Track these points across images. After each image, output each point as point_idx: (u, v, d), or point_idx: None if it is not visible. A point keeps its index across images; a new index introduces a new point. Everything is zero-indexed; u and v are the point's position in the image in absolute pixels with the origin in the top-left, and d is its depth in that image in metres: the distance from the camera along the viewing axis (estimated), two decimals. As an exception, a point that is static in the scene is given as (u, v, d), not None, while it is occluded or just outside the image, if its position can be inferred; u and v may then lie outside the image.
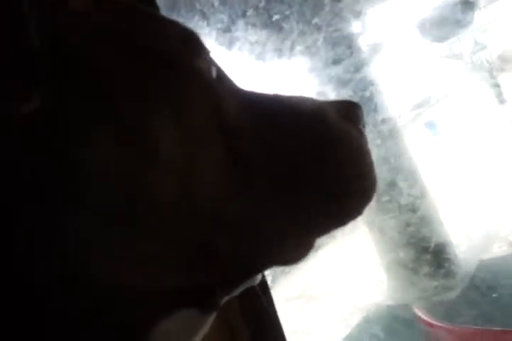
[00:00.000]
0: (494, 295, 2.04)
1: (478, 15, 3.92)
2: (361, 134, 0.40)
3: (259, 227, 0.33)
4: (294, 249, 0.36)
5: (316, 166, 0.36)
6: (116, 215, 0.27)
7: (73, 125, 0.27)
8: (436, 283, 3.15)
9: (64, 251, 0.26)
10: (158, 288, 0.29)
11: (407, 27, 4.16)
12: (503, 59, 4.26)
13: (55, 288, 0.26)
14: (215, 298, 0.33)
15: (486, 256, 3.67)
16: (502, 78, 4.20)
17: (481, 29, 4.15)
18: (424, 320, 1.65)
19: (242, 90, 0.38)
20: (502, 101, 4.34)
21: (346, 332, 3.42)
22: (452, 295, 2.89)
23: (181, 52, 0.33)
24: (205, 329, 0.33)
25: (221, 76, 0.37)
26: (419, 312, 1.68)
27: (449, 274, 3.23)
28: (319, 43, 3.41)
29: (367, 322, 3.32)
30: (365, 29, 4.33)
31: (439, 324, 1.57)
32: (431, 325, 1.62)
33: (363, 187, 0.38)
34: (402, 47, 4.75)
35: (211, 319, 0.34)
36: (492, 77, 4.15)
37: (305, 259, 0.37)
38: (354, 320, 3.56)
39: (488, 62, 4.13)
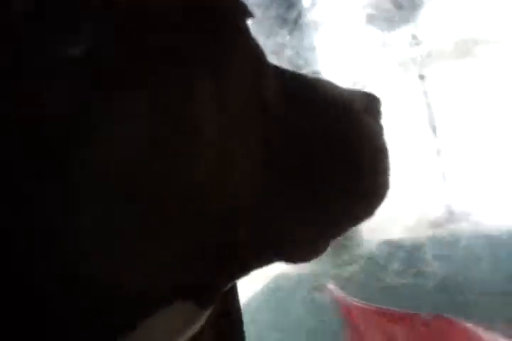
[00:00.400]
0: (386, 275, 2.23)
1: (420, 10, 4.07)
2: (382, 129, 0.40)
3: (282, 220, 0.33)
4: (308, 248, 0.36)
5: (339, 160, 0.36)
6: (129, 207, 0.26)
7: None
8: (338, 259, 3.36)
9: (64, 250, 0.26)
10: (160, 281, 0.29)
11: (355, 10, 4.24)
12: (433, 55, 4.49)
13: (55, 288, 0.26)
14: (214, 291, 0.33)
15: (384, 237, 3.94)
16: (428, 73, 4.42)
17: (419, 23, 4.32)
18: (331, 292, 1.75)
19: (277, 67, 0.36)
20: (425, 94, 4.59)
21: (251, 295, 3.56)
22: (352, 269, 3.11)
23: (228, 11, 0.31)
24: (199, 323, 0.33)
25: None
26: (329, 285, 1.78)
27: (350, 251, 3.48)
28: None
29: (272, 287, 3.47)
30: (313, 6, 4.38)
31: (343, 297, 1.67)
32: (336, 298, 1.72)
33: (379, 185, 0.38)
34: (343, 29, 4.85)
35: (207, 313, 0.33)
36: (420, 71, 4.36)
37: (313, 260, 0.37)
38: (259, 284, 3.70)
39: (420, 56, 4.32)
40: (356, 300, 1.59)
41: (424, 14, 4.73)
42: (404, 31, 5.07)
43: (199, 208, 0.28)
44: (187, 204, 0.27)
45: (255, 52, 0.32)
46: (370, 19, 4.78)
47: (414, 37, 5.16)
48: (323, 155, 0.35)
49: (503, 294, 1.58)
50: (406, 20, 4.70)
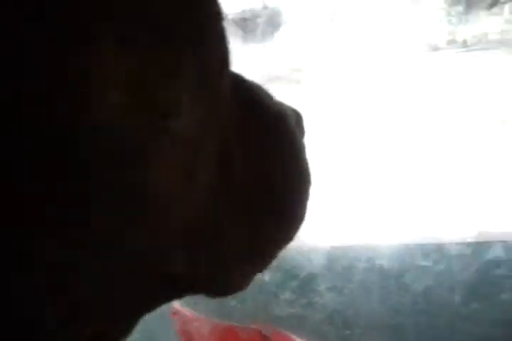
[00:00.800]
0: (276, 304, 2.16)
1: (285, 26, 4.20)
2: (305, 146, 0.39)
3: (223, 251, 0.30)
4: (238, 282, 0.33)
5: (281, 182, 0.34)
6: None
7: None
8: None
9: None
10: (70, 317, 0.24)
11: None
12: (299, 71, 4.65)
13: None
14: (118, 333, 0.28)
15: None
16: (295, 89, 4.57)
17: (272, 44, 4.46)
18: (175, 311, 1.68)
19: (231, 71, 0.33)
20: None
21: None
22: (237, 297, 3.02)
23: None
24: None
25: None
26: (176, 306, 1.71)
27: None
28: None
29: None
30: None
31: (186, 314, 1.62)
32: (178, 315, 1.66)
33: (305, 210, 0.36)
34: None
35: None
36: (286, 87, 4.49)
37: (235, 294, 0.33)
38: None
39: (282, 73, 4.44)
40: (199, 315, 1.54)
41: (278, 36, 4.98)
42: (257, 48, 5.26)
43: (139, 223, 0.24)
44: (125, 217, 0.23)
45: (225, 57, 0.29)
46: (237, 29, 4.80)
47: (262, 56, 5.39)
48: (268, 176, 0.33)
49: (388, 327, 1.65)
50: (261, 38, 4.83)
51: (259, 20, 3.97)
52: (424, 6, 3.90)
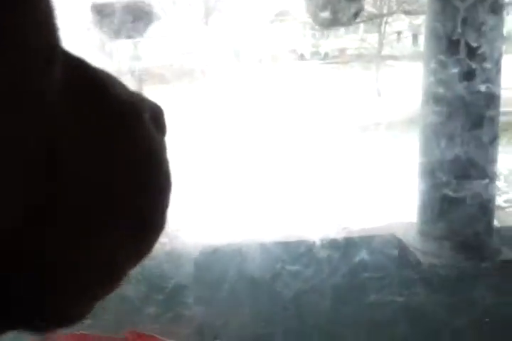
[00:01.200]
0: (139, 319, 1.98)
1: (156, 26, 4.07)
2: (165, 147, 0.33)
3: (56, 262, 0.25)
4: (75, 308, 0.27)
5: (132, 187, 0.29)
6: None
7: None
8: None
9: None
10: None
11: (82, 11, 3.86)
12: (151, 73, 4.51)
13: None
14: None
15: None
16: (163, 88, 4.40)
17: (146, 39, 4.32)
18: None
19: (66, 51, 0.27)
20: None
21: None
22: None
23: None
24: None
25: None
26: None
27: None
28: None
29: None
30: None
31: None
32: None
33: (165, 217, 0.30)
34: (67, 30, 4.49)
35: None
36: (140, 88, 4.32)
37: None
38: None
39: (138, 72, 4.29)
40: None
41: (151, 31, 4.82)
42: (129, 43, 5.05)
43: None
44: None
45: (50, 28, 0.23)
46: (99, 23, 4.53)
47: (135, 49, 5.19)
48: (119, 184, 0.28)
49: (257, 338, 1.60)
50: (136, 32, 4.65)
51: (126, 10, 3.80)
52: (292, 19, 4.04)
